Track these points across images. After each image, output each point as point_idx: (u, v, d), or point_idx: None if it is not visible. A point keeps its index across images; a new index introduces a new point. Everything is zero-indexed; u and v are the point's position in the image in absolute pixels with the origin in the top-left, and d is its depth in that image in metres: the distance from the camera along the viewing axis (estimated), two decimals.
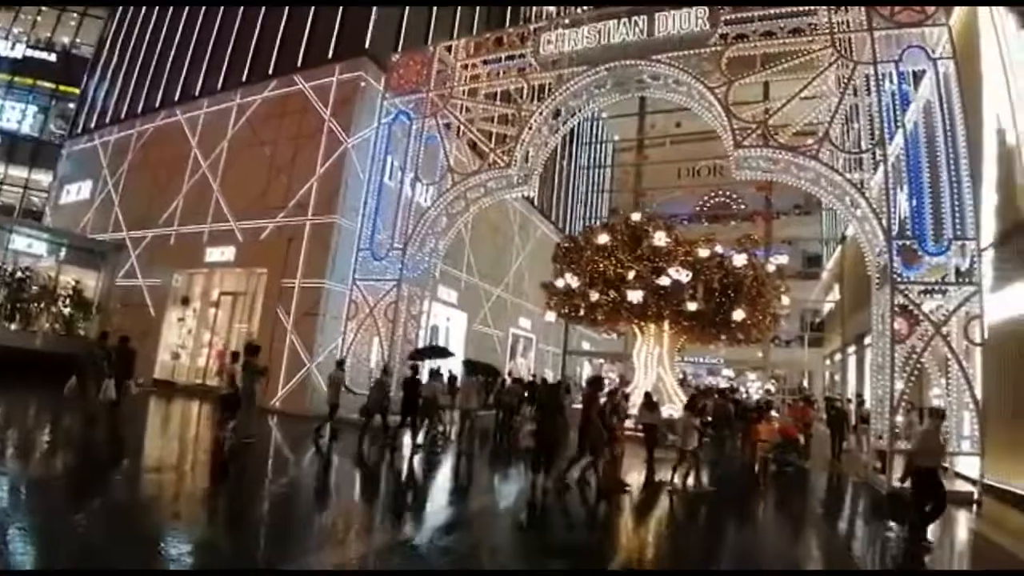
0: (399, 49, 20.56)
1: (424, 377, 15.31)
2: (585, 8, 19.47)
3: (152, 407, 17.25)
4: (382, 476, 11.00)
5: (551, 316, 22.91)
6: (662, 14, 15.62)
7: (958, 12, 13.77)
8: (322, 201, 19.12)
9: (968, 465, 11.82)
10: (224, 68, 24.05)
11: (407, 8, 22.19)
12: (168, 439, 12.98)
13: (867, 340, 17.84)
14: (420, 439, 13.46)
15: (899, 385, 11.87)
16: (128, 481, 8.51)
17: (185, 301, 22.88)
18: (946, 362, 11.90)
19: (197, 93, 24.70)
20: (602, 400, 10.58)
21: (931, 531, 8.28)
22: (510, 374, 24.09)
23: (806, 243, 42.25)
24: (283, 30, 22.49)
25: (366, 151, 18.93)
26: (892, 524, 7.90)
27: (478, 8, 27.06)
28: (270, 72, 22.23)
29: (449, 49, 18.71)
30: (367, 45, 20.11)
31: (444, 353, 18.45)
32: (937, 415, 7.97)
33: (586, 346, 40.89)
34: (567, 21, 17.32)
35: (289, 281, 19.04)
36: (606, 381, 15.92)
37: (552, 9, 30.54)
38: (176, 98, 25.61)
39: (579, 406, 10.95)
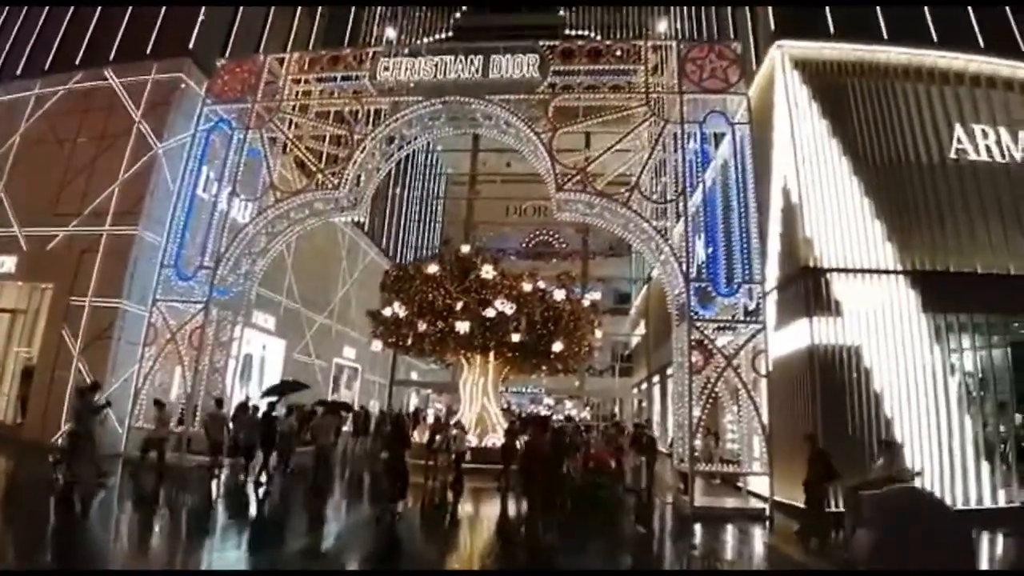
0: (227, 54, 19.12)
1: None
2: (426, 39, 19.75)
3: None
4: (245, 509, 11.11)
5: (377, 345, 22.31)
6: (497, 56, 16.32)
7: (756, 83, 16.14)
8: (124, 211, 16.97)
9: (759, 484, 13.33)
10: (26, 52, 20.69)
11: (239, 11, 20.81)
12: None
13: (669, 371, 19.71)
14: (276, 473, 13.62)
15: (697, 412, 13.16)
16: None
17: None
18: (737, 391, 13.50)
19: None
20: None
21: (731, 547, 9.16)
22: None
23: (617, 281, 46.03)
24: (98, 17, 19.94)
25: (179, 159, 17.08)
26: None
27: (316, 23, 26.24)
28: (77, 62, 19.45)
29: (281, 62, 17.71)
30: (191, 45, 18.46)
31: (299, 387, 17.61)
32: (889, 447, 8.30)
33: (414, 376, 40.35)
34: (406, 51, 17.41)
35: (79, 299, 16.51)
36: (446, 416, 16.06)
37: (392, 35, 30.62)
38: None
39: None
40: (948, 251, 13.49)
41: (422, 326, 19.33)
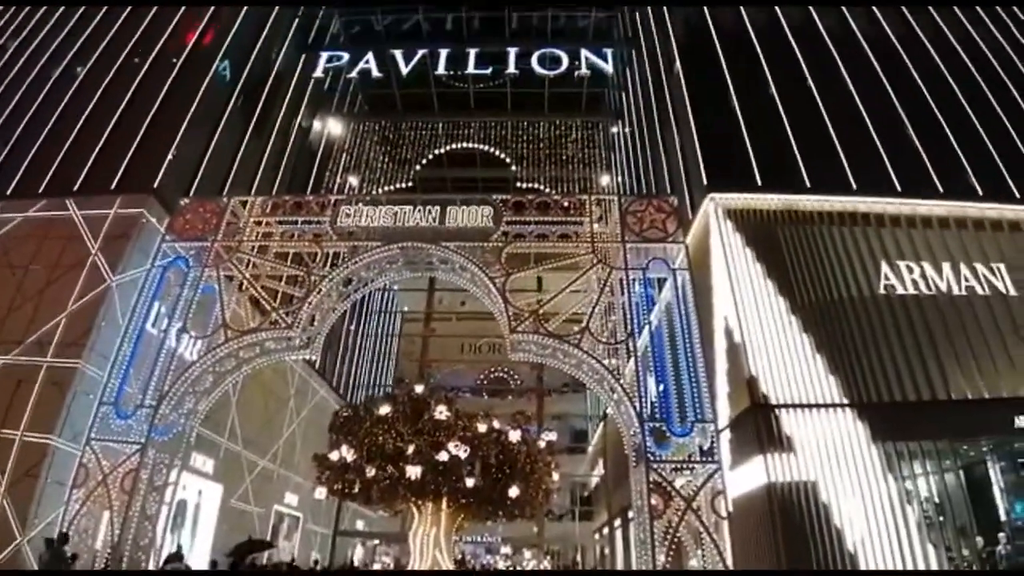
0: (191, 194, 19.78)
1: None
2: (384, 190, 20.94)
3: None
4: None
5: (322, 492, 21.00)
6: (453, 207, 17.34)
7: (693, 232, 17.40)
8: (68, 342, 16.55)
9: None
10: None
11: (208, 154, 21.85)
12: None
13: (631, 513, 19.12)
14: None
15: (661, 558, 12.67)
16: None
17: None
18: (700, 535, 13.10)
19: None
20: None
21: None
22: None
23: (574, 419, 45.54)
24: (66, 148, 20.57)
25: (132, 293, 16.98)
26: None
27: (281, 171, 27.61)
28: (40, 190, 19.78)
29: (244, 204, 18.38)
30: (156, 183, 19.11)
31: (267, 546, 17.18)
32: None
33: (360, 525, 37.72)
34: (367, 198, 18.39)
35: (10, 433, 15.58)
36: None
37: (354, 182, 32.37)
38: None
39: None
40: (889, 381, 14.10)
41: (371, 471, 18.48)
